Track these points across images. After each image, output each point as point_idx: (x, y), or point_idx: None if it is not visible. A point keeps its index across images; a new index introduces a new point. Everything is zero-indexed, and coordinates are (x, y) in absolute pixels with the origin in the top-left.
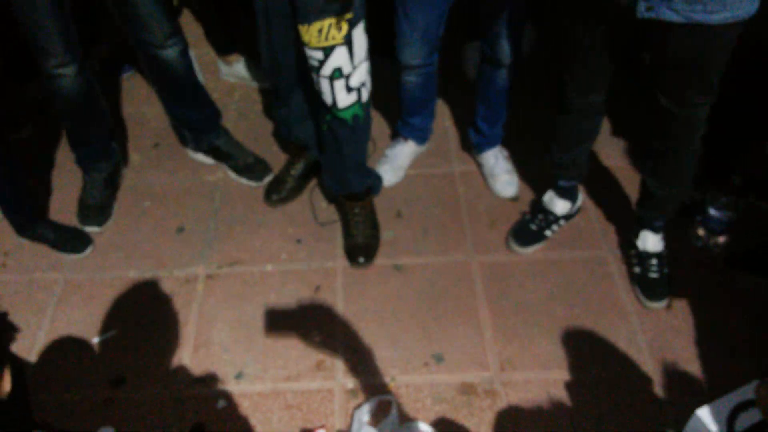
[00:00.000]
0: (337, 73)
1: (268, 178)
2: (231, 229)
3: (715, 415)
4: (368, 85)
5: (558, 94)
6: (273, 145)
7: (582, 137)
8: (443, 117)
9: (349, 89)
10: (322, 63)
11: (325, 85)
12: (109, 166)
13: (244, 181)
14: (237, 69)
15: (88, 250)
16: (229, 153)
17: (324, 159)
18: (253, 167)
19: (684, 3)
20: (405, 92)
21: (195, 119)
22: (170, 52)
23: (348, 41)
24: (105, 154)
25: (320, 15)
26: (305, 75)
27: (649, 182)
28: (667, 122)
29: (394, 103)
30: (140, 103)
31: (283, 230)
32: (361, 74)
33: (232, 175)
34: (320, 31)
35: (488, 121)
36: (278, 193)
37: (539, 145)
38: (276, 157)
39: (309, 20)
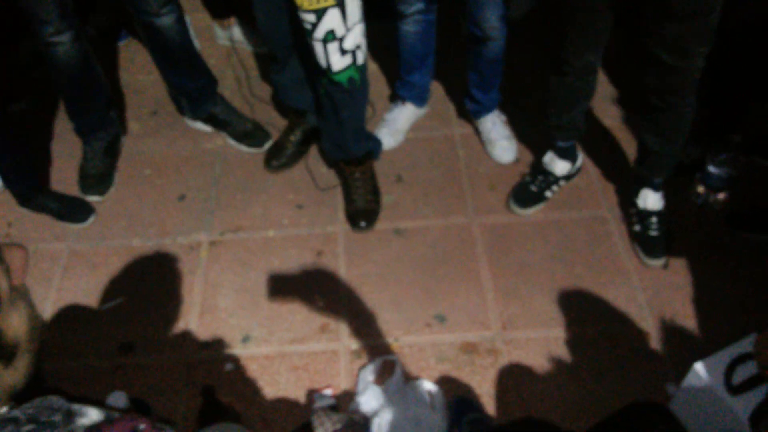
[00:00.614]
0: (330, 36)
1: (268, 144)
2: (232, 196)
3: (713, 368)
4: (363, 47)
5: (554, 56)
6: (272, 111)
7: (579, 97)
8: (442, 81)
9: (343, 52)
10: (314, 26)
11: (318, 48)
12: (109, 134)
13: (243, 147)
14: (233, 33)
15: (91, 219)
16: (227, 120)
17: (322, 124)
18: (252, 134)
19: None
20: (404, 45)
21: (191, 87)
22: (165, 20)
23: (340, 3)
24: (103, 122)
25: None
26: (301, 39)
27: (647, 139)
28: (665, 76)
29: (393, 67)
30: (137, 71)
31: (283, 196)
32: (355, 36)
33: (231, 142)
34: None
35: (482, 89)
36: (278, 158)
37: (537, 106)
38: (275, 123)
39: None
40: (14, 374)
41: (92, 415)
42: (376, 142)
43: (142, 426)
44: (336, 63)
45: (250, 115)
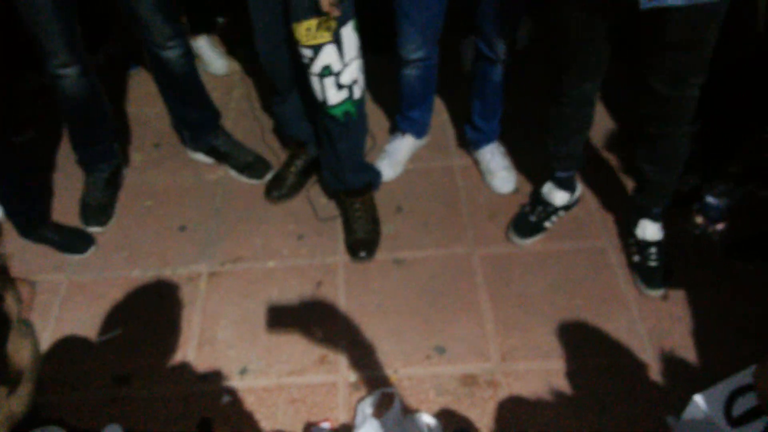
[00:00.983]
0: (327, 71)
1: (268, 176)
2: (233, 226)
3: (713, 400)
4: (361, 82)
5: (552, 86)
6: (273, 142)
7: (577, 128)
8: (442, 112)
9: (339, 87)
10: (312, 60)
11: (315, 82)
12: (111, 166)
13: (245, 179)
14: (197, 45)
15: (91, 250)
16: (228, 153)
17: (322, 155)
18: (253, 165)
19: None
20: (405, 86)
21: (194, 118)
22: (171, 53)
23: (337, 39)
24: (107, 154)
25: (308, 13)
26: (302, 72)
27: (644, 168)
28: (660, 106)
29: (393, 99)
30: (142, 103)
31: (284, 227)
32: (352, 72)
33: (233, 173)
34: (308, 29)
35: (484, 117)
36: (279, 189)
37: (536, 137)
38: (276, 154)
39: (298, 18)
40: (17, 402)
41: None
42: (376, 174)
43: None
44: (332, 97)
45: (252, 146)
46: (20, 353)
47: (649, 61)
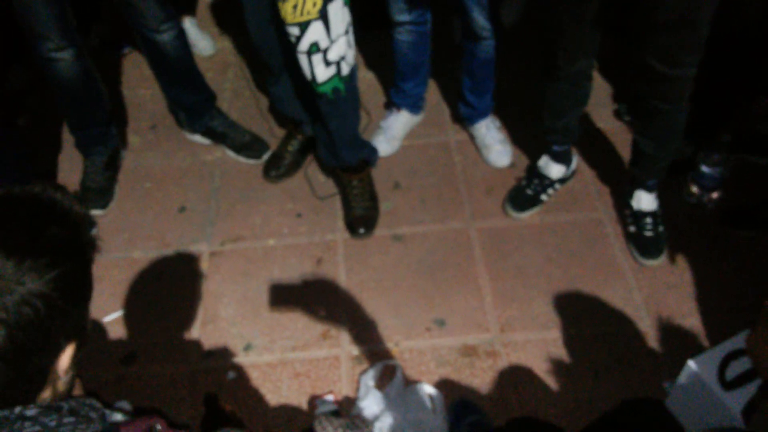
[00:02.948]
0: (314, 48)
1: (266, 155)
2: (232, 206)
3: (707, 365)
4: (349, 58)
5: (546, 63)
6: (269, 121)
7: (573, 103)
8: (437, 88)
9: (327, 63)
10: (299, 38)
11: (303, 60)
12: (108, 149)
13: (242, 159)
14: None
15: (92, 233)
16: (224, 133)
17: (316, 133)
18: (250, 145)
19: None
20: (398, 54)
21: (190, 101)
22: (164, 37)
23: (323, 15)
24: (104, 137)
25: None
26: (292, 52)
27: (640, 142)
28: (657, 84)
29: (389, 75)
30: (137, 85)
31: (283, 206)
32: (339, 48)
33: (230, 153)
34: (295, 7)
35: (475, 93)
36: (277, 168)
37: (532, 110)
38: (274, 133)
39: None
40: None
41: (117, 417)
42: (372, 150)
43: (158, 426)
44: (320, 74)
45: (248, 126)
46: (88, 317)
47: (642, 40)
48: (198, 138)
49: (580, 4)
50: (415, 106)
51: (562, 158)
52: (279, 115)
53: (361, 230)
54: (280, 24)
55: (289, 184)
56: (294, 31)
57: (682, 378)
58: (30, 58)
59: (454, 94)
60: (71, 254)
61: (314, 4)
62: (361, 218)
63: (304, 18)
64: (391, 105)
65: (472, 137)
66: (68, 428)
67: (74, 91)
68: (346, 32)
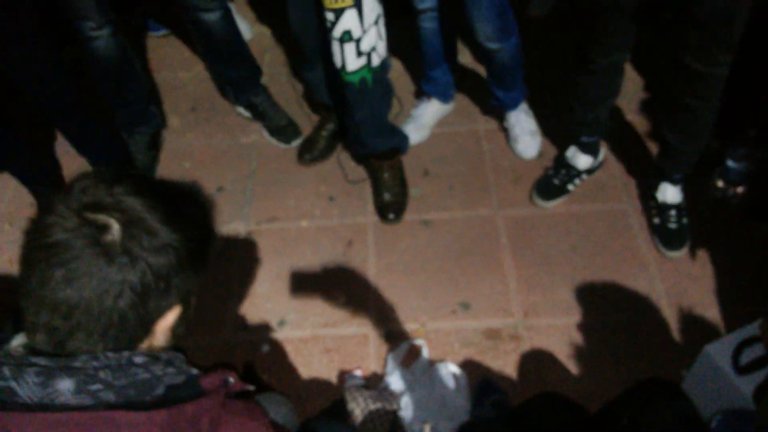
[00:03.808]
0: (347, 36)
1: (296, 142)
2: (267, 188)
3: (722, 350)
4: (380, 50)
5: (579, 55)
6: (303, 107)
7: (604, 95)
8: (467, 77)
9: (359, 53)
10: (333, 24)
11: (336, 47)
12: (150, 128)
13: (274, 142)
14: None
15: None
16: (264, 112)
17: (345, 121)
18: (284, 129)
19: None
20: (423, 41)
21: (236, 77)
22: (212, 16)
23: (358, 4)
24: (144, 116)
25: None
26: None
27: (669, 136)
28: (690, 80)
29: (419, 64)
30: (177, 67)
31: (316, 188)
32: (371, 39)
33: (265, 134)
34: None
35: (501, 88)
36: (311, 152)
37: (562, 101)
38: (310, 119)
39: None
40: (181, 327)
41: (193, 370)
42: (403, 138)
43: (231, 379)
44: (351, 63)
45: (293, 101)
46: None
47: (678, 37)
48: (241, 110)
49: (621, 2)
50: (445, 95)
51: (590, 149)
52: (313, 101)
53: (391, 216)
54: (319, 9)
55: (323, 167)
56: (329, 16)
57: (699, 364)
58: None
59: (484, 83)
60: (202, 230)
61: None
62: (390, 204)
63: (339, 5)
64: (421, 94)
65: (502, 126)
66: (169, 378)
67: (112, 68)
68: (376, 22)
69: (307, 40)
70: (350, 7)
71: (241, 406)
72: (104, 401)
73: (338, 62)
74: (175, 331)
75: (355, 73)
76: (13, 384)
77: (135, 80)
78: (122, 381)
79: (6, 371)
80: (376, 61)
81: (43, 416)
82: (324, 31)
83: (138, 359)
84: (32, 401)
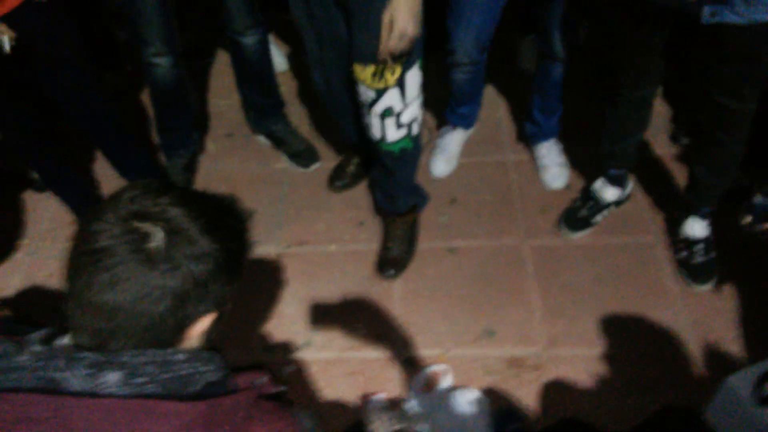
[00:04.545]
0: (388, 112)
1: (314, 166)
2: (298, 212)
3: (745, 381)
4: (419, 118)
5: (609, 89)
6: (323, 132)
7: (632, 129)
8: (497, 108)
9: (399, 125)
10: (374, 102)
11: (375, 121)
12: (189, 152)
13: (293, 166)
14: None
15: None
16: (283, 138)
17: (375, 176)
18: (302, 154)
19: (745, 5)
20: (455, 86)
21: (260, 102)
22: (248, 40)
23: (401, 83)
24: (186, 141)
25: (375, 59)
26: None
27: (696, 169)
28: (718, 115)
29: (443, 94)
30: (216, 94)
31: (345, 214)
32: (413, 111)
33: (285, 158)
34: (374, 74)
35: (544, 112)
36: (341, 179)
37: (592, 134)
38: (329, 145)
39: (364, 61)
40: (217, 331)
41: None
42: (423, 197)
43: (264, 379)
44: (391, 135)
45: (322, 133)
46: (232, 296)
47: (706, 72)
48: (261, 139)
49: (651, 34)
50: (469, 124)
51: (618, 181)
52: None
53: (391, 272)
54: (346, 78)
55: (353, 193)
56: (370, 94)
57: (721, 393)
58: (122, 66)
59: (514, 114)
60: (239, 240)
61: (393, 73)
62: (393, 260)
63: (382, 85)
64: (446, 122)
65: (532, 156)
66: (210, 375)
67: (166, 96)
68: (419, 95)
69: (333, 104)
70: (393, 86)
71: (272, 406)
72: (148, 393)
73: (377, 135)
74: (210, 335)
75: (395, 143)
76: (68, 374)
77: (187, 110)
78: (166, 375)
79: (60, 363)
80: (416, 130)
81: (91, 401)
82: (359, 104)
83: (180, 356)
84: (83, 390)
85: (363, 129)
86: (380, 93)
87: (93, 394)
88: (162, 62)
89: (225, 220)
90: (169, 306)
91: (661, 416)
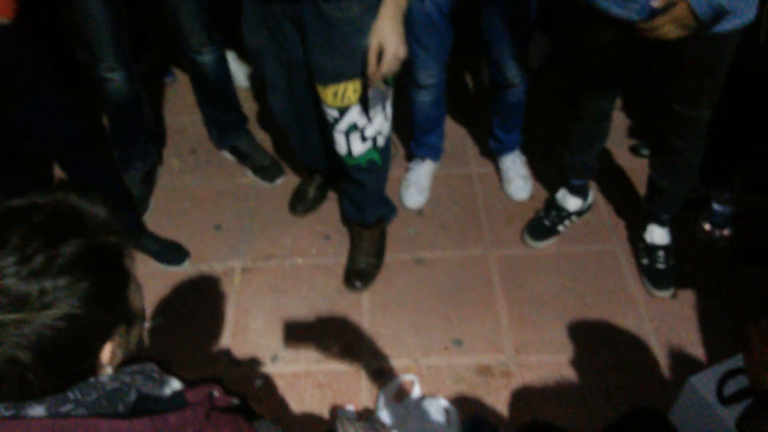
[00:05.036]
0: (352, 128)
1: (279, 180)
2: (264, 226)
3: (707, 382)
4: (385, 131)
5: (569, 103)
6: (288, 147)
7: (593, 140)
8: (460, 123)
9: (363, 139)
10: (337, 121)
11: (340, 138)
12: (146, 165)
13: (258, 180)
14: None
15: (186, 263)
16: (247, 154)
17: (344, 189)
18: (266, 169)
19: None
20: (419, 113)
21: (222, 120)
22: (206, 58)
23: (363, 100)
24: (142, 154)
25: (336, 78)
26: (313, 114)
27: (656, 178)
28: (677, 123)
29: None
30: (179, 112)
31: (312, 228)
32: (377, 125)
33: (249, 173)
34: (335, 93)
35: (504, 130)
36: (301, 203)
37: (554, 146)
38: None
39: (325, 82)
40: (133, 339)
41: (175, 383)
42: (391, 209)
43: (216, 392)
44: (356, 149)
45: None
46: (135, 299)
47: (666, 83)
48: (226, 154)
49: (612, 52)
50: (436, 155)
51: (580, 192)
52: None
53: (358, 284)
54: (303, 101)
55: (319, 208)
56: (333, 113)
57: (684, 393)
58: (80, 83)
59: (476, 128)
60: (95, 264)
61: (354, 91)
62: (360, 272)
63: (345, 104)
64: (414, 157)
65: (497, 169)
66: (139, 382)
67: (121, 111)
68: (384, 108)
69: (289, 120)
70: (355, 104)
71: (227, 419)
72: (77, 415)
73: (343, 150)
74: (126, 350)
75: (361, 156)
76: None
77: (142, 123)
78: (92, 396)
79: None
80: (381, 142)
81: (15, 422)
82: (324, 123)
83: (103, 378)
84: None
85: (329, 146)
86: (343, 111)
87: (16, 416)
88: (115, 77)
89: (65, 249)
90: (43, 378)
91: (627, 417)
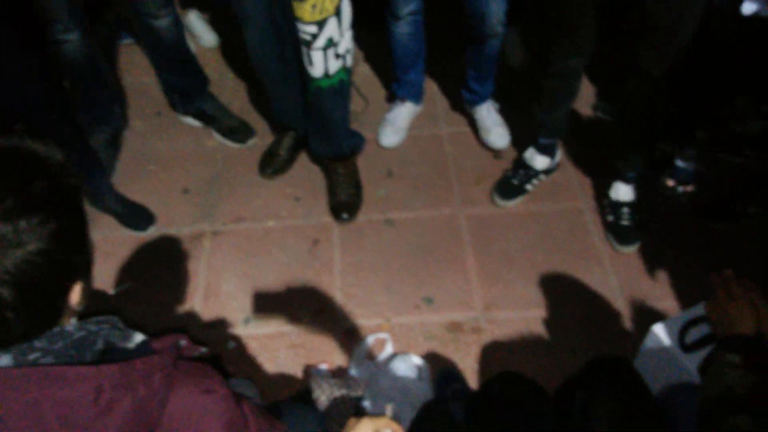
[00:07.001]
0: (329, 43)
1: (251, 141)
2: (233, 189)
3: (669, 330)
4: (352, 50)
5: (541, 59)
6: (258, 107)
7: (563, 98)
8: (429, 83)
9: (337, 56)
10: (315, 36)
11: (318, 56)
12: (111, 128)
13: (228, 142)
14: (188, 18)
15: (150, 230)
16: (213, 116)
17: (314, 127)
18: (237, 129)
19: None
20: (398, 46)
21: (184, 85)
22: (162, 22)
23: (338, 11)
24: (107, 117)
25: None
26: (291, 66)
27: (621, 136)
28: (643, 80)
29: (387, 70)
30: (141, 73)
31: (282, 190)
32: (347, 41)
33: (217, 136)
34: (314, 6)
35: (479, 81)
36: (271, 166)
37: (522, 106)
38: (263, 121)
39: None
40: (88, 287)
41: (138, 336)
42: (360, 138)
43: (183, 342)
44: (332, 67)
45: (254, 110)
46: (90, 246)
47: (635, 42)
48: (190, 120)
49: (585, 5)
50: (417, 96)
51: (548, 151)
52: (275, 122)
53: (345, 215)
54: (281, 37)
55: (290, 169)
56: (311, 29)
57: (647, 342)
58: (43, 41)
59: (447, 87)
60: (61, 204)
61: (332, 1)
62: (344, 204)
63: (323, 16)
64: (394, 98)
65: (470, 122)
66: (105, 332)
67: (80, 72)
68: (351, 26)
69: (270, 71)
70: (332, 15)
71: (195, 366)
72: (45, 364)
73: (319, 70)
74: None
75: (335, 75)
76: None
77: (102, 84)
78: (59, 344)
79: None
80: (350, 61)
81: None
82: (301, 44)
83: (68, 327)
84: None
85: (300, 98)
86: (321, 24)
87: None
88: (71, 38)
89: (33, 188)
90: (20, 318)
91: (591, 366)
